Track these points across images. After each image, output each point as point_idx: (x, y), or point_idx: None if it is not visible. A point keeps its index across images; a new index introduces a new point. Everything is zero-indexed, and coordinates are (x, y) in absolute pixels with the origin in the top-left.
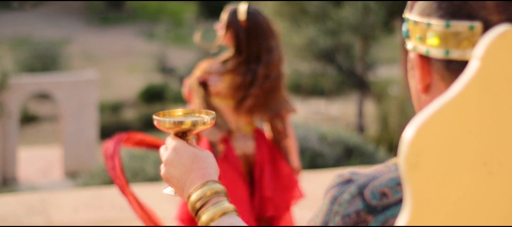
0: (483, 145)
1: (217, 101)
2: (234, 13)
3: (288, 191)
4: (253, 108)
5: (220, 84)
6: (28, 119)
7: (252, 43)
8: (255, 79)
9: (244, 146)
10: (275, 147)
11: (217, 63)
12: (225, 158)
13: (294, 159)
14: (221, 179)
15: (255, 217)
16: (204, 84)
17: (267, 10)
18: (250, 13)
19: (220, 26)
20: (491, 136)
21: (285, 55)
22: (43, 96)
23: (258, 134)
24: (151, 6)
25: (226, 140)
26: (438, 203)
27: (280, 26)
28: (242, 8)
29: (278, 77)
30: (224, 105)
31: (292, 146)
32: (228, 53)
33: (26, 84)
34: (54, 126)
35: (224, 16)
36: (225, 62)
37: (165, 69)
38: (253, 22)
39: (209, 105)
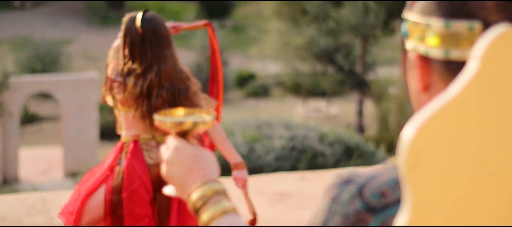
0: (483, 145)
1: (122, 110)
2: (131, 20)
3: None
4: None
5: (122, 95)
6: (28, 119)
7: (147, 52)
8: (150, 89)
9: (158, 155)
10: None
11: (118, 72)
12: (132, 165)
13: (232, 155)
14: (127, 189)
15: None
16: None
17: (267, 10)
18: (145, 20)
19: (120, 34)
20: (491, 136)
21: (285, 55)
22: (44, 97)
23: None
24: (151, 6)
25: (138, 152)
26: (438, 203)
27: (280, 26)
28: (139, 15)
29: (179, 85)
30: (128, 114)
31: (224, 146)
32: (126, 61)
33: (26, 84)
34: (55, 126)
35: (123, 23)
36: (123, 71)
37: None
38: (149, 30)
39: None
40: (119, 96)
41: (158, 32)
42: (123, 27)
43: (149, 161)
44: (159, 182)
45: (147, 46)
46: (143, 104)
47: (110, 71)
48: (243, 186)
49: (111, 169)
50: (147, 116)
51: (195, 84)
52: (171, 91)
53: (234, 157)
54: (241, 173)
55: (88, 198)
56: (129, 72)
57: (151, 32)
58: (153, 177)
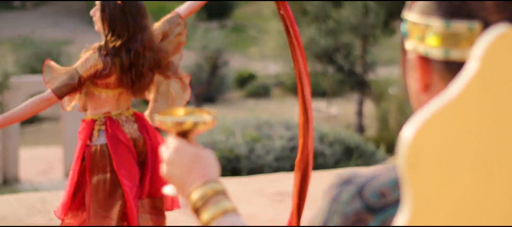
0: (483, 145)
1: (102, 92)
2: None
3: None
4: (147, 86)
5: (109, 78)
6: (28, 119)
7: (129, 23)
8: (137, 59)
9: (131, 130)
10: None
11: (102, 55)
12: (118, 140)
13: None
14: (118, 159)
15: (143, 198)
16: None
17: (267, 10)
18: None
19: (94, 9)
20: (491, 136)
21: (285, 55)
22: None
23: (138, 117)
24: (151, 6)
25: (115, 125)
26: (438, 203)
27: (280, 26)
28: None
29: (158, 55)
30: (108, 95)
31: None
32: (105, 37)
33: (27, 84)
34: (55, 126)
35: None
36: (106, 49)
37: None
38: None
39: (88, 95)
40: (109, 80)
41: (137, 1)
42: (98, 1)
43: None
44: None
45: (128, 16)
46: (130, 75)
47: (83, 69)
48: None
49: (83, 148)
50: (135, 86)
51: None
52: (154, 60)
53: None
54: None
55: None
56: (114, 50)
57: (131, 2)
58: (137, 148)
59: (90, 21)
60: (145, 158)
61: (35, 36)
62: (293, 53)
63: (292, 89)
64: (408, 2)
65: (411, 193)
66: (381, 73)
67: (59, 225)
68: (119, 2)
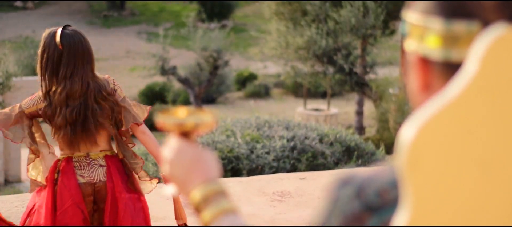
0: (482, 145)
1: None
2: (51, 36)
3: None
4: (74, 138)
5: (52, 122)
6: None
7: (60, 69)
8: (55, 109)
9: (90, 174)
10: (125, 173)
11: (37, 99)
12: (64, 184)
13: (156, 149)
14: (61, 208)
15: None
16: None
17: (268, 10)
18: (65, 35)
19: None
20: (491, 136)
21: (285, 55)
22: None
23: (110, 161)
24: (151, 6)
25: (67, 167)
26: (438, 203)
27: (280, 26)
28: (59, 30)
29: (92, 104)
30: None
31: (157, 152)
32: (41, 81)
33: (28, 84)
34: None
35: (42, 39)
36: (43, 94)
37: (166, 70)
38: (66, 46)
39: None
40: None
41: (75, 48)
42: (41, 43)
43: (81, 180)
44: (94, 200)
45: (62, 63)
46: (76, 129)
47: (26, 106)
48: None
49: (49, 187)
50: (55, 136)
51: (116, 101)
52: (77, 110)
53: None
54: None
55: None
56: (46, 92)
57: (69, 49)
58: (85, 196)
59: (90, 21)
60: (104, 206)
61: (36, 37)
62: None
63: (292, 89)
64: (407, 2)
65: (411, 193)
66: (381, 73)
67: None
68: (60, 46)
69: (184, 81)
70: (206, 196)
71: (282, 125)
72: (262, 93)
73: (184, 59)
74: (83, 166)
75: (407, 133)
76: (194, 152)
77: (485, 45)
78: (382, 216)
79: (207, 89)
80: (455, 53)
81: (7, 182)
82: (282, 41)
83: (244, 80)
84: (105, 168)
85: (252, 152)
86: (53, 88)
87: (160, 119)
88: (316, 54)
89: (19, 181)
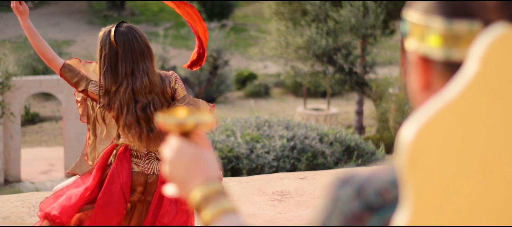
0: (483, 145)
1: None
2: (106, 34)
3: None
4: (146, 134)
5: (110, 113)
6: (30, 119)
7: (119, 67)
8: (122, 107)
9: (144, 165)
10: None
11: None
12: (117, 170)
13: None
14: (104, 194)
15: None
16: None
17: (268, 10)
18: (119, 33)
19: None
20: (491, 136)
21: (285, 55)
22: (45, 97)
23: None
24: (151, 6)
25: (126, 157)
26: (438, 203)
27: (280, 25)
28: (113, 28)
29: (154, 100)
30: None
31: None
32: (101, 78)
33: (28, 84)
34: (56, 126)
35: (98, 38)
36: (101, 89)
37: (165, 69)
38: (121, 43)
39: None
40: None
41: (130, 45)
42: (98, 42)
43: (135, 168)
44: (143, 191)
45: (120, 61)
46: (119, 121)
47: (91, 88)
48: None
49: (99, 170)
50: (123, 132)
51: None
52: (149, 106)
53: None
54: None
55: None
56: (105, 91)
57: (124, 47)
58: (136, 185)
59: (90, 21)
60: (151, 199)
61: None
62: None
63: (292, 89)
64: (408, 2)
65: (411, 192)
66: (381, 73)
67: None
68: (114, 45)
69: (184, 81)
70: (206, 196)
71: (282, 124)
72: (262, 93)
73: (184, 59)
74: (140, 156)
75: (407, 133)
76: (194, 152)
77: (485, 45)
78: (382, 215)
79: (207, 89)
80: (456, 53)
81: (7, 181)
82: (282, 41)
83: (244, 80)
84: (161, 162)
85: (252, 151)
86: (113, 88)
87: (160, 119)
88: (316, 54)
89: (19, 180)
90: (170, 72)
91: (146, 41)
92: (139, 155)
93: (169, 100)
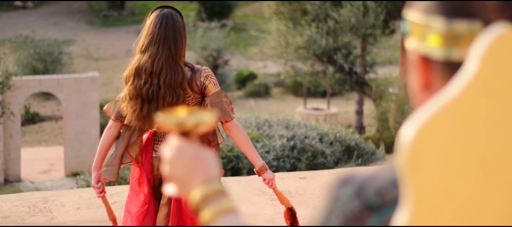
0: (483, 144)
1: None
2: (150, 18)
3: None
4: (141, 113)
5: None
6: (30, 119)
7: (158, 50)
8: (153, 94)
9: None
10: None
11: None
12: (140, 161)
13: (256, 159)
14: (132, 179)
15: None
16: None
17: (268, 10)
18: (161, 16)
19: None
20: (491, 136)
21: (285, 54)
22: (45, 96)
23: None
24: (151, 6)
25: (148, 143)
26: (438, 203)
27: (280, 25)
28: (156, 12)
29: (179, 92)
30: None
31: (248, 148)
32: (139, 57)
33: (28, 84)
34: (56, 126)
35: (145, 20)
36: (136, 68)
37: None
38: (164, 28)
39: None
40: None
41: (171, 33)
42: (144, 24)
43: (154, 154)
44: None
45: (160, 48)
46: (148, 107)
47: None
48: (272, 185)
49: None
50: (150, 118)
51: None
52: (147, 87)
53: (258, 161)
54: (268, 174)
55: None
56: (139, 71)
57: (165, 34)
58: (154, 169)
59: (90, 21)
60: None
61: (36, 36)
62: None
63: (292, 89)
64: (408, 2)
65: (411, 192)
66: (381, 72)
67: (60, 225)
68: (157, 28)
69: None
70: (206, 196)
71: (282, 124)
72: (262, 92)
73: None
74: (163, 140)
75: (407, 132)
76: (194, 152)
77: (485, 44)
78: (382, 215)
79: None
80: (456, 53)
81: (7, 181)
82: (282, 41)
83: (244, 80)
84: None
85: None
86: (149, 70)
87: (160, 118)
88: (316, 53)
89: (19, 180)
90: (204, 67)
91: (176, 30)
92: (163, 139)
93: (183, 95)
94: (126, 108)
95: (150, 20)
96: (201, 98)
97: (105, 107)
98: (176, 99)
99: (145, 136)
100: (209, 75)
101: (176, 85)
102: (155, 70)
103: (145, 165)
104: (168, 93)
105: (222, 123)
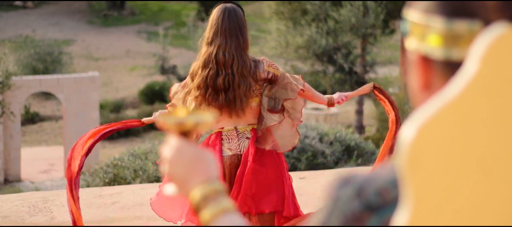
0: (483, 145)
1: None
2: (215, 12)
3: (270, 192)
4: (215, 103)
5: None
6: (30, 119)
7: (226, 44)
8: (228, 84)
9: (235, 145)
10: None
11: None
12: None
13: (323, 98)
14: None
15: None
16: None
17: (268, 9)
18: (225, 11)
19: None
20: (491, 136)
21: (285, 54)
22: (45, 96)
23: (255, 134)
24: (152, 6)
25: (214, 143)
26: (438, 203)
27: (280, 25)
28: (220, 7)
29: (249, 81)
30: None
31: (317, 97)
32: (205, 52)
33: (28, 84)
34: (56, 126)
35: (210, 15)
36: (204, 62)
37: (165, 69)
38: (228, 22)
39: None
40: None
41: (235, 25)
42: (209, 18)
43: (227, 152)
44: (235, 172)
45: (227, 39)
46: (225, 96)
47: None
48: (346, 98)
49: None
50: (225, 109)
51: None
52: (222, 78)
53: (326, 98)
54: (339, 96)
55: None
56: (209, 62)
57: (229, 25)
58: (231, 167)
59: (90, 21)
60: (242, 176)
61: (36, 36)
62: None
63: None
64: (408, 2)
65: (411, 192)
66: (381, 72)
67: (60, 225)
68: (221, 23)
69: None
70: (206, 196)
71: None
72: None
73: (184, 59)
74: (231, 138)
75: (407, 132)
76: (194, 152)
77: (485, 44)
78: (382, 215)
79: None
80: (456, 53)
81: (7, 181)
82: (282, 41)
83: None
84: (249, 140)
85: None
86: (221, 61)
87: (160, 119)
88: (316, 53)
89: (19, 180)
90: (262, 57)
91: (241, 23)
92: (230, 138)
93: (253, 84)
94: (194, 100)
95: (213, 14)
96: (264, 87)
97: (173, 89)
98: (248, 88)
99: (212, 136)
100: (270, 64)
101: (248, 74)
102: (227, 61)
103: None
104: (242, 82)
105: (299, 94)
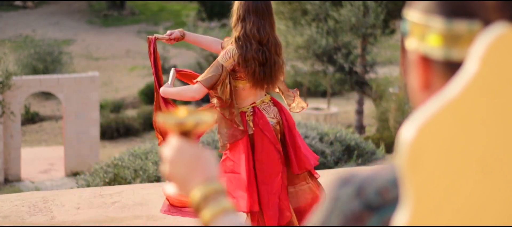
0: (483, 144)
1: (239, 84)
2: None
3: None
4: (261, 77)
5: (246, 69)
6: (30, 118)
7: (264, 24)
8: (267, 59)
9: (272, 114)
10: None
11: (238, 46)
12: (264, 136)
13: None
14: (261, 154)
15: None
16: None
17: None
18: None
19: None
20: (491, 136)
21: (285, 54)
22: (45, 96)
23: (274, 100)
24: (152, 5)
25: (261, 116)
26: (438, 203)
27: (280, 25)
28: None
29: (280, 58)
30: (245, 86)
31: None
32: (243, 33)
33: (28, 83)
34: (56, 125)
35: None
36: (239, 43)
37: (166, 69)
38: (262, 3)
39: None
40: (242, 73)
41: (262, 3)
42: (232, 5)
43: (272, 121)
44: (279, 137)
45: (265, 18)
46: (263, 69)
47: (225, 62)
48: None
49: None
50: (266, 82)
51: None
52: (263, 54)
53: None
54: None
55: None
56: (246, 38)
57: (265, 6)
58: (277, 134)
59: (90, 21)
60: (284, 137)
61: (36, 36)
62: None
63: (292, 88)
64: (408, 1)
65: (411, 192)
66: (381, 72)
67: (60, 225)
68: (254, 5)
69: None
70: (206, 195)
71: None
72: None
73: (184, 59)
74: (267, 108)
75: (407, 132)
76: (194, 151)
77: (485, 44)
78: (382, 215)
79: None
80: (456, 53)
81: (7, 181)
82: (282, 40)
83: None
84: (276, 107)
85: None
86: (240, 33)
87: (160, 119)
88: (316, 53)
89: (19, 180)
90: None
91: (268, 9)
92: (266, 109)
93: (279, 61)
94: (243, 76)
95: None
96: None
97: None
98: (279, 66)
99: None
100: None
101: (279, 53)
102: (263, 38)
103: (269, 133)
104: (275, 60)
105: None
